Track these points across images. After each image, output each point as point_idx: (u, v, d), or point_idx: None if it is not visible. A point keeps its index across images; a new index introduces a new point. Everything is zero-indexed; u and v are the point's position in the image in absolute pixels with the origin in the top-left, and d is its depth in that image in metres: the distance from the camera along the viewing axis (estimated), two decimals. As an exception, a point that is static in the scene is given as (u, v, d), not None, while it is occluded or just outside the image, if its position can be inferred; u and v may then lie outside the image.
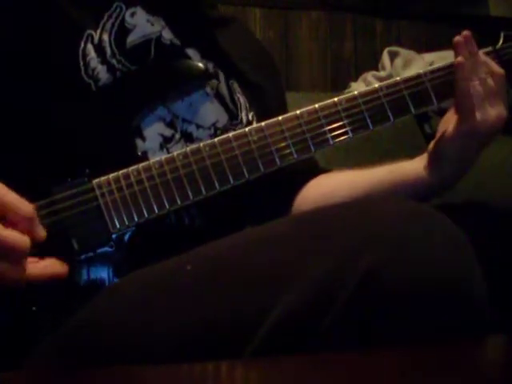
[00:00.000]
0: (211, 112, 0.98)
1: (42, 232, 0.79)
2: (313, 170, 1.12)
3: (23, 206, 0.76)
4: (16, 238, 0.74)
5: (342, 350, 0.65)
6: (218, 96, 1.00)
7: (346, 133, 0.92)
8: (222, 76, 1.02)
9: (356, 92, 0.92)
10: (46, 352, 0.79)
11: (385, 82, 0.94)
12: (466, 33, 0.97)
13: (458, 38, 0.96)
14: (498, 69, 0.97)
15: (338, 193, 1.04)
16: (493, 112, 0.95)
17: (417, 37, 2.28)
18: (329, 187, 1.07)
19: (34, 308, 0.81)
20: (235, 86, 1.04)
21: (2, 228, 0.74)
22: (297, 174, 1.06)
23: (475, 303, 0.68)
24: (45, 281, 0.78)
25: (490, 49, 1.00)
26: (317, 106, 0.91)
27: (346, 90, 2.04)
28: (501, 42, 1.01)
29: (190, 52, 1.00)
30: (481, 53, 0.97)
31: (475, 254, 0.69)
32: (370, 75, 2.06)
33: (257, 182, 0.91)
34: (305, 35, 2.16)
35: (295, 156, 0.90)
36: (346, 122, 0.92)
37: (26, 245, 0.75)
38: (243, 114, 1.02)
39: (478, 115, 0.94)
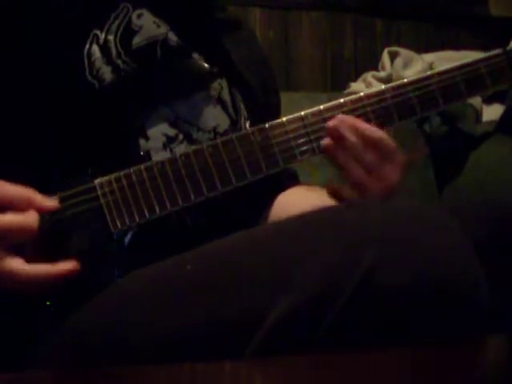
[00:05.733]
0: (213, 116, 0.98)
1: (51, 202, 0.80)
2: (292, 179, 1.11)
3: (17, 191, 0.78)
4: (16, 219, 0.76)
5: (342, 350, 0.65)
6: (221, 101, 1.00)
7: None
8: (224, 81, 1.02)
9: (362, 93, 0.91)
10: (46, 352, 0.79)
11: (391, 84, 0.92)
12: (340, 118, 0.88)
13: (329, 123, 0.88)
14: (373, 133, 0.87)
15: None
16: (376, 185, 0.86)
17: (417, 37, 2.28)
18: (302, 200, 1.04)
19: (47, 302, 0.82)
20: (236, 92, 1.04)
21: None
22: (277, 180, 1.06)
23: (475, 303, 0.68)
24: (55, 278, 0.78)
25: (499, 51, 0.98)
26: (322, 107, 0.91)
27: (346, 91, 2.04)
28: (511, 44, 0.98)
29: (195, 56, 0.99)
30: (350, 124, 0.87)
31: (475, 253, 0.69)
32: (369, 75, 2.07)
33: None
34: (305, 35, 2.16)
35: (298, 158, 0.89)
36: None
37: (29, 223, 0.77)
38: (242, 122, 1.02)
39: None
